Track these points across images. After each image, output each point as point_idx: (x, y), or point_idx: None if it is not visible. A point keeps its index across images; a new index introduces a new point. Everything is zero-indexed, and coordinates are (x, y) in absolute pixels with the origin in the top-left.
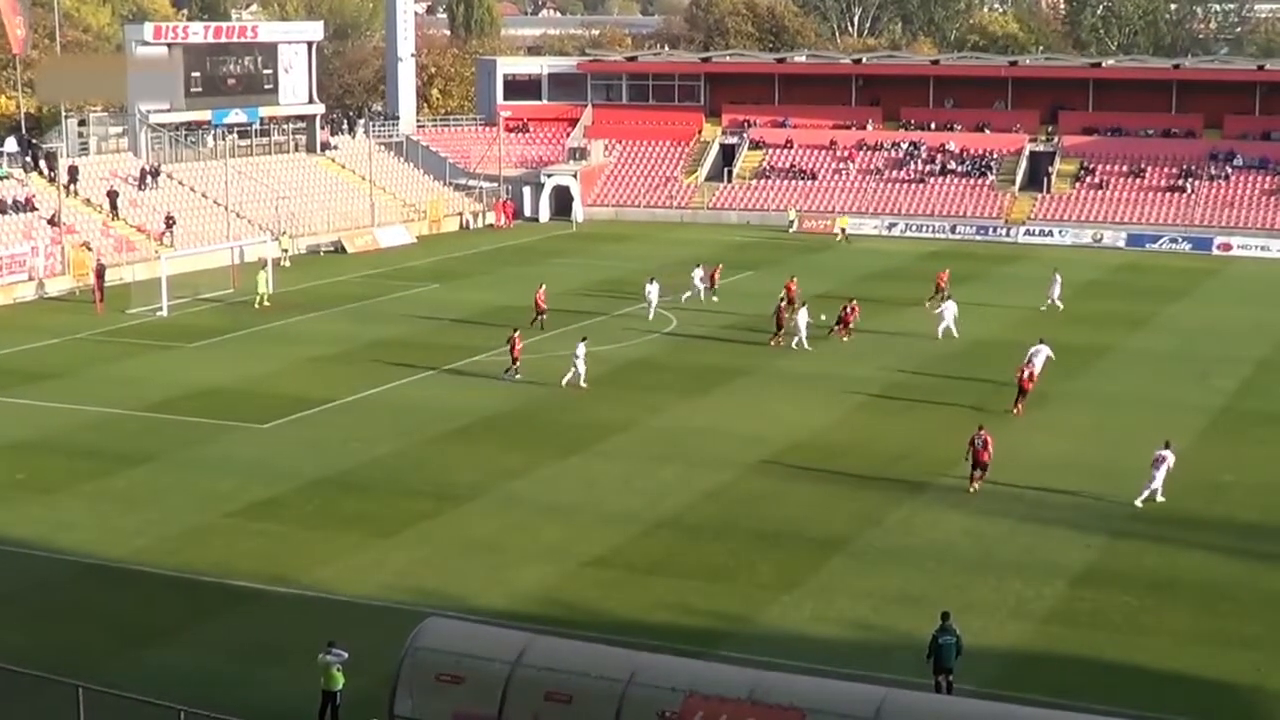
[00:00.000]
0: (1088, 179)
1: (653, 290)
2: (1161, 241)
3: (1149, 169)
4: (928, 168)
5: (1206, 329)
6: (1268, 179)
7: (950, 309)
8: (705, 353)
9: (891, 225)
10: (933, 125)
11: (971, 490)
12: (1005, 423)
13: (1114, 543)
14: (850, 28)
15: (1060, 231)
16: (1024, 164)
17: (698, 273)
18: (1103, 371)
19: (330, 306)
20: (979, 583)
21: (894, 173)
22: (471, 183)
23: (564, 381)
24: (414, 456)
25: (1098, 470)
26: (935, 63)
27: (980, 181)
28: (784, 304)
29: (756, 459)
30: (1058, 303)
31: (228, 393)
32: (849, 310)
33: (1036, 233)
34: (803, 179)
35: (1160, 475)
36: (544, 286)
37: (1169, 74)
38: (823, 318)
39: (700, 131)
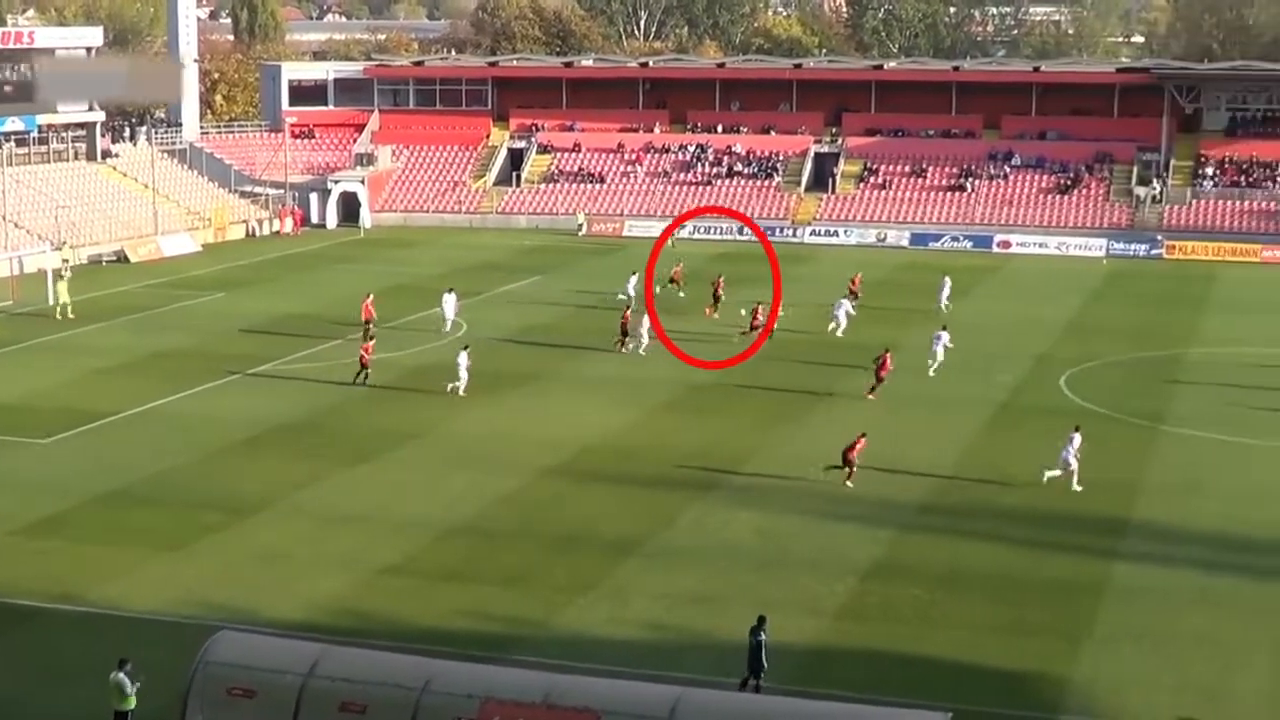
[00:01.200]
0: (871, 179)
1: (449, 300)
2: (944, 240)
3: (930, 169)
4: (715, 170)
5: (988, 325)
6: (1044, 178)
7: (845, 308)
8: (499, 358)
9: (680, 227)
10: (719, 128)
11: (847, 485)
12: (797, 420)
13: (902, 537)
14: (636, 31)
15: (845, 231)
16: (809, 165)
17: (632, 280)
18: (890, 369)
19: (113, 317)
20: (771, 580)
21: (681, 175)
22: (258, 190)
23: (449, 388)
24: (203, 468)
25: (886, 466)
26: (721, 66)
27: (766, 183)
28: (712, 305)
29: (551, 463)
30: (944, 305)
31: (7, 408)
32: (757, 312)
33: (822, 233)
34: (591, 182)
35: (1071, 456)
36: (371, 296)
37: (949, 76)
38: (742, 312)
39: (488, 136)
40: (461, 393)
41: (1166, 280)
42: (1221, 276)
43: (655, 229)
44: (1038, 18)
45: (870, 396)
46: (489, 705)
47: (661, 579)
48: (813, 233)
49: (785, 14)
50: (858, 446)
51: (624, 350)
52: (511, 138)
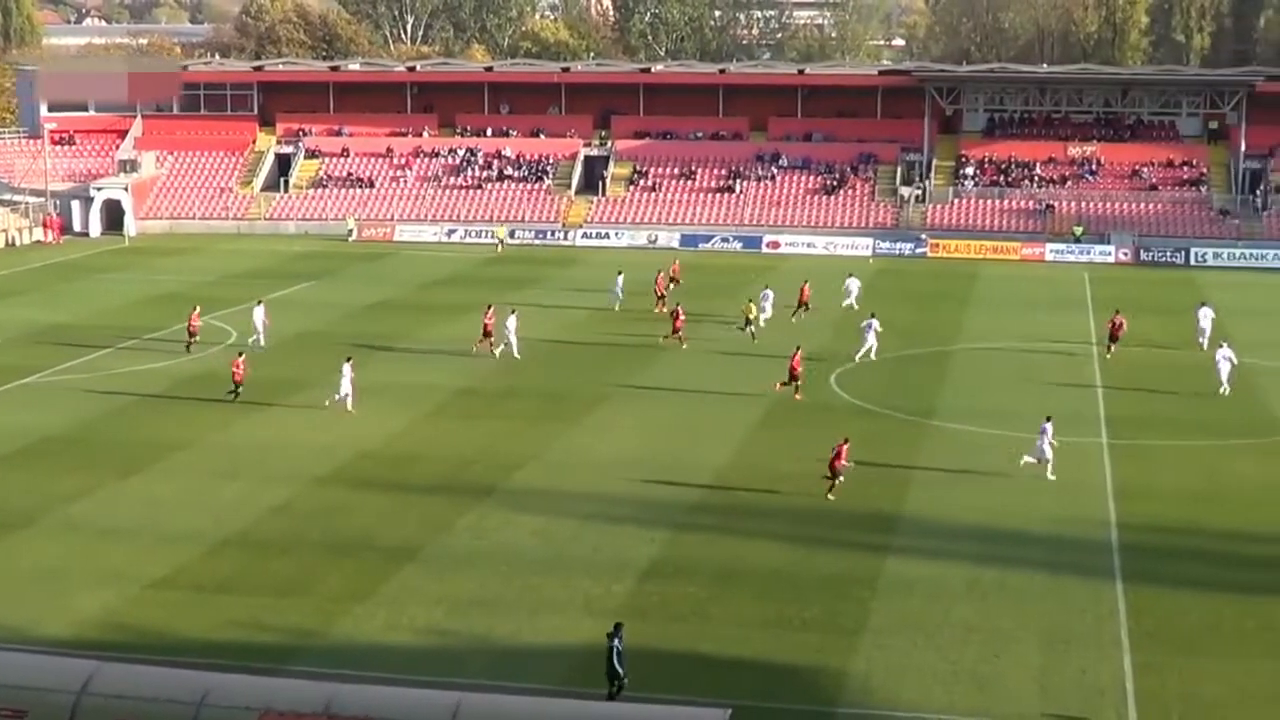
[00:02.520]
0: (641, 181)
1: (259, 312)
2: (714, 241)
3: (699, 170)
4: (485, 173)
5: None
6: (811, 178)
7: (768, 301)
8: (270, 365)
9: (451, 231)
10: (489, 131)
11: (829, 498)
12: (573, 422)
13: (678, 536)
14: (403, 35)
15: (616, 234)
16: (579, 168)
17: (619, 279)
18: (664, 368)
19: None
20: (550, 582)
21: (452, 179)
22: (16, 198)
23: (329, 401)
24: None
25: (660, 465)
26: (489, 69)
27: (537, 186)
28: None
29: (325, 471)
30: (854, 305)
31: None
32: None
33: (594, 235)
34: (361, 187)
35: (1046, 445)
36: (198, 309)
37: (715, 79)
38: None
39: (254, 141)
40: (350, 408)
41: (931, 278)
42: (983, 274)
43: (426, 233)
44: (801, 21)
45: (777, 388)
46: (268, 717)
47: (440, 584)
48: (584, 235)
49: (552, 18)
50: (842, 454)
51: (480, 351)
52: (279, 143)
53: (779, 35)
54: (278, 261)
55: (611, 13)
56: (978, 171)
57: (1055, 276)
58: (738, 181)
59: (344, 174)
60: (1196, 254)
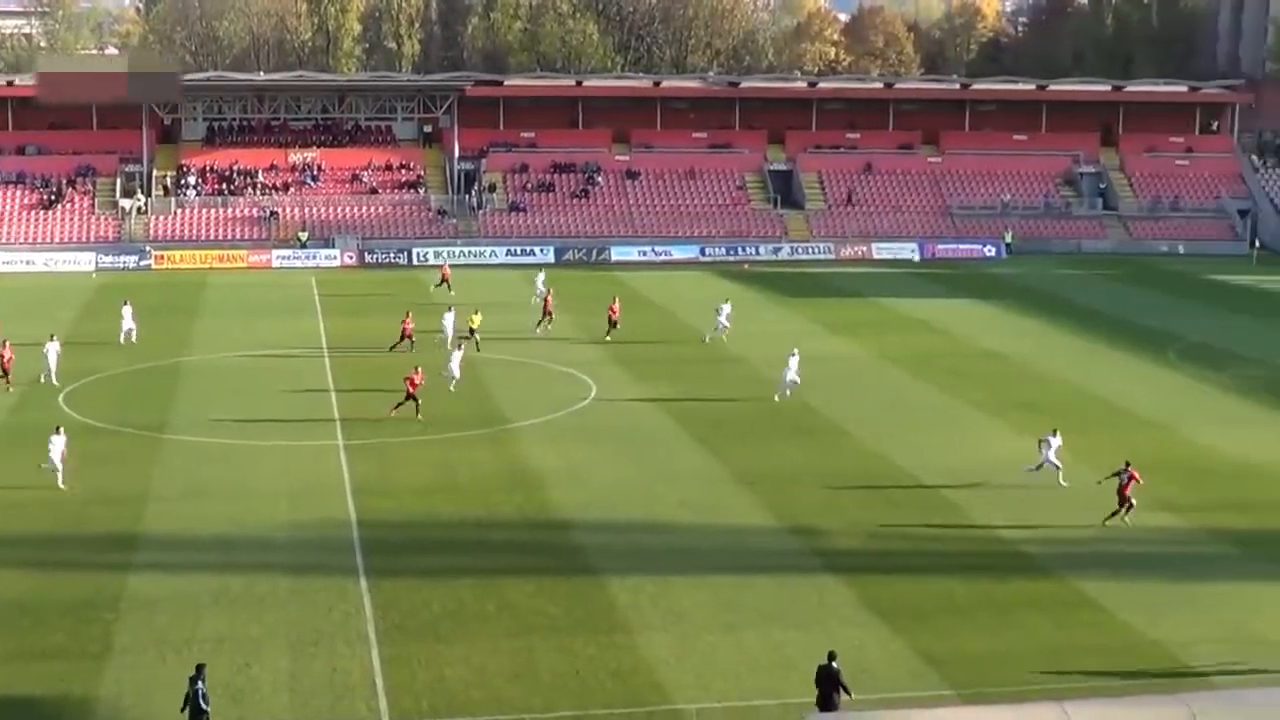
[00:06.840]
0: None
1: (52, 349)
2: None
3: None
4: None
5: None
6: (27, 193)
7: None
8: None
9: None
10: None
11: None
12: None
13: None
14: None
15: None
16: None
17: (448, 317)
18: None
19: None
20: None
21: None
22: None
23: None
24: None
25: None
26: None
27: None
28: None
29: None
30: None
31: None
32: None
33: None
34: None
35: (1052, 456)
36: (6, 341)
37: None
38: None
39: None
40: (60, 483)
41: (158, 290)
42: (212, 283)
43: None
44: (8, 30)
45: (394, 413)
46: None
47: None
48: None
49: None
50: (1132, 481)
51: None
52: None
53: None
54: None
55: None
56: (200, 180)
57: (284, 282)
58: None
59: None
60: (418, 253)
